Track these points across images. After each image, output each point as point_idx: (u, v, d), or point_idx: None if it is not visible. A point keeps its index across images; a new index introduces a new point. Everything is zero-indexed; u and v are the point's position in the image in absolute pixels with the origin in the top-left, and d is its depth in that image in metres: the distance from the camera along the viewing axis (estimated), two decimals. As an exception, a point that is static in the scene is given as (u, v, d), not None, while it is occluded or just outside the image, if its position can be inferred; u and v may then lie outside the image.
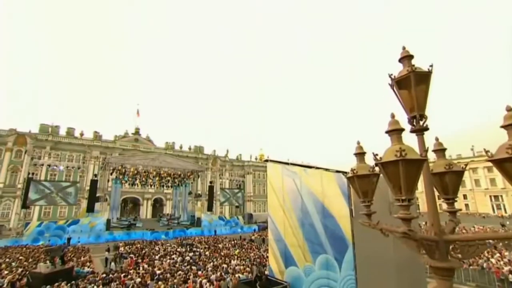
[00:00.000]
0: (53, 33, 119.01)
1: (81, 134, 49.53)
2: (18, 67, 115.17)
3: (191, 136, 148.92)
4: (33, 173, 29.85)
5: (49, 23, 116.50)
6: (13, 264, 15.93)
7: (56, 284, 11.51)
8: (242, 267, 15.14)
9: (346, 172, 8.81)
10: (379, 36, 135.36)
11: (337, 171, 9.07)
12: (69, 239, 25.73)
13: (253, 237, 29.84)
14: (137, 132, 57.59)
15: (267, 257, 16.68)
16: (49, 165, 31.11)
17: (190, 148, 65.28)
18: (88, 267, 15.52)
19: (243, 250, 21.38)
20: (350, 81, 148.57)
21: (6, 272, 14.03)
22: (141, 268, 14.79)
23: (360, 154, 3.86)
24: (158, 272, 14.03)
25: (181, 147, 63.43)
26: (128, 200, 52.54)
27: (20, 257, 17.42)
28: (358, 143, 4.04)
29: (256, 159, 77.12)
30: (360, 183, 3.51)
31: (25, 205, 27.82)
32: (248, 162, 73.37)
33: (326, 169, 9.50)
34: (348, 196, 8.46)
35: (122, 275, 13.54)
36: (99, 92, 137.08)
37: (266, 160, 12.37)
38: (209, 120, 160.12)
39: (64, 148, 45.95)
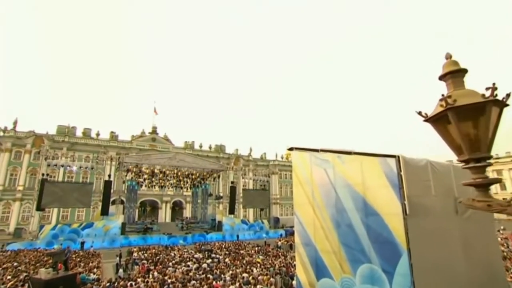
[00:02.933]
0: (67, 33, 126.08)
1: (97, 135, 51.25)
2: (36, 70, 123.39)
3: (211, 135, 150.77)
4: (48, 174, 30.80)
5: (63, 23, 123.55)
6: (20, 268, 16.00)
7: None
8: (265, 277, 13.93)
9: (394, 156, 7.18)
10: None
11: (383, 155, 7.46)
12: (82, 243, 26.13)
13: (279, 243, 28.84)
14: (154, 131, 58.55)
15: (295, 266, 15.55)
16: (62, 166, 32.04)
17: (210, 147, 65.37)
18: (94, 273, 15.15)
19: (268, 257, 20.20)
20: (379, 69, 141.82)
21: (9, 277, 14.02)
22: (150, 276, 14.11)
23: (455, 74, 2.40)
24: (168, 281, 13.24)
25: (201, 146, 63.68)
26: (147, 203, 53.51)
27: (28, 261, 17.60)
28: (449, 56, 2.57)
29: (282, 158, 75.60)
30: (463, 125, 2.13)
31: (39, 207, 28.75)
32: (274, 161, 72.08)
33: (368, 154, 7.92)
34: (399, 187, 6.85)
35: (129, 283, 12.93)
36: (115, 91, 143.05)
37: (291, 148, 10.96)
38: (230, 118, 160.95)
39: (80, 149, 47.78)
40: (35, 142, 43.18)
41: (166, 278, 13.83)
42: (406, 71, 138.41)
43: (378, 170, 7.50)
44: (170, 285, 12.54)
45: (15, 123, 43.63)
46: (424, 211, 6.68)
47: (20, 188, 41.97)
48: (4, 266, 16.61)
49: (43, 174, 30.05)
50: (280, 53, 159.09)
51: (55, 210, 42.70)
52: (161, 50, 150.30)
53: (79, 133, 51.01)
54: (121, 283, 12.89)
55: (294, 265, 15.91)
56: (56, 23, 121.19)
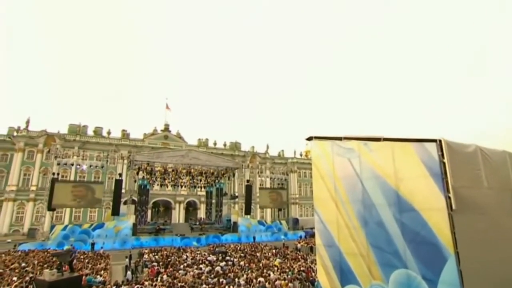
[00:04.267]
0: (77, 31, 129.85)
1: (108, 133, 52.18)
2: (46, 68, 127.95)
3: (226, 132, 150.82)
4: (58, 174, 31.53)
5: (73, 20, 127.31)
6: (27, 269, 16.14)
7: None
8: (283, 281, 13.28)
9: (434, 140, 6.27)
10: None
11: (420, 140, 6.57)
12: (93, 244, 26.44)
13: (298, 245, 28.25)
14: (166, 128, 59.02)
15: (316, 270, 14.86)
16: (72, 164, 32.68)
17: (225, 145, 65.25)
18: (101, 276, 15.04)
19: (286, 260, 19.59)
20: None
21: (15, 278, 14.08)
22: (158, 280, 13.79)
23: None
24: (178, 284, 12.86)
25: (215, 144, 63.67)
26: (160, 203, 54.02)
27: (36, 262, 17.79)
28: None
29: (301, 155, 74.49)
30: None
31: (50, 207, 29.39)
32: (292, 159, 71.09)
33: (401, 139, 7.04)
34: (441, 177, 5.95)
35: (136, 287, 12.67)
36: (127, 88, 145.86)
37: (310, 138, 10.17)
38: (246, 114, 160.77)
39: (92, 148, 48.84)
40: (47, 142, 44.45)
41: (175, 281, 13.47)
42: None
43: (414, 157, 6.62)
44: (180, 290, 12.15)
45: (27, 122, 45.12)
46: (474, 206, 5.76)
47: (33, 188, 43.39)
48: (12, 266, 16.84)
49: (53, 174, 30.72)
50: (301, 44, 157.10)
51: (68, 210, 43.89)
52: (173, 46, 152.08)
53: (90, 132, 52.21)
54: (127, 286, 12.61)
55: (315, 269, 15.36)
56: (65, 20, 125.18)
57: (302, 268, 16.38)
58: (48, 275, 12.71)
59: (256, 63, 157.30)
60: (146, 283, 13.25)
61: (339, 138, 9.06)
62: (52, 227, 29.37)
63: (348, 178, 8.49)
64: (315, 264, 17.02)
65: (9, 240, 32.29)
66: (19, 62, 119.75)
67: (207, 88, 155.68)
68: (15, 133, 45.22)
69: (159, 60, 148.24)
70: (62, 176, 42.98)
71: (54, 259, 18.15)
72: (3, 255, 20.82)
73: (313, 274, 14.75)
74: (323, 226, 9.19)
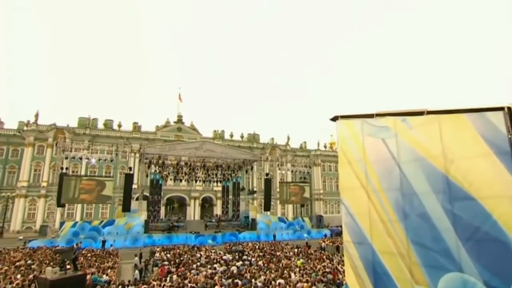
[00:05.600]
0: (85, 21, 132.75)
1: (119, 126, 52.94)
2: (54, 60, 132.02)
3: (243, 124, 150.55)
4: (66, 168, 32.19)
5: (81, 10, 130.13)
6: (33, 266, 16.37)
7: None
8: (305, 284, 12.62)
9: (500, 108, 5.20)
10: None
11: (479, 109, 5.52)
12: (103, 241, 26.82)
13: (323, 244, 27.57)
14: (179, 120, 59.23)
15: (344, 272, 14.06)
16: (80, 158, 33.21)
17: (242, 137, 64.79)
18: (107, 275, 14.95)
19: (309, 260, 18.97)
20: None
21: (19, 275, 14.24)
22: (168, 280, 13.49)
23: None
24: (188, 285, 12.48)
25: (231, 136, 63.36)
26: (174, 199, 54.54)
27: (42, 259, 18.07)
28: None
29: (325, 147, 72.94)
30: None
31: (59, 203, 30.03)
32: (315, 151, 69.69)
33: (452, 111, 6.01)
34: (511, 156, 4.92)
35: (143, 287, 12.39)
36: (137, 78, 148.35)
37: (335, 117, 9.24)
38: (265, 104, 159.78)
39: (102, 141, 49.66)
40: (56, 136, 45.64)
41: (186, 282, 13.13)
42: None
43: (469, 132, 5.59)
44: (189, 291, 11.76)
45: (36, 116, 46.46)
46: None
47: (44, 184, 44.82)
48: (18, 264, 17.16)
49: (61, 168, 31.35)
50: (325, 25, 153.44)
51: (79, 207, 45.11)
52: (186, 34, 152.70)
53: (100, 125, 53.19)
54: (133, 287, 12.35)
55: (343, 270, 14.51)
56: (74, 11, 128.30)
57: (327, 270, 15.70)
58: (50, 273, 12.63)
59: (274, 49, 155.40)
60: (154, 283, 12.98)
61: (371, 115, 8.08)
62: (61, 224, 30.05)
63: (382, 162, 7.53)
64: (343, 265, 16.30)
65: (21, 237, 33.49)
66: (28, 54, 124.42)
67: (222, 77, 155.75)
68: (25, 128, 46.77)
69: (172, 50, 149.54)
70: (73, 172, 44.12)
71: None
72: (11, 252, 21.41)
73: (340, 276, 14.07)
74: (352, 220, 8.30)
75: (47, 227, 38.94)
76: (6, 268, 16.11)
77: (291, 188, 44.75)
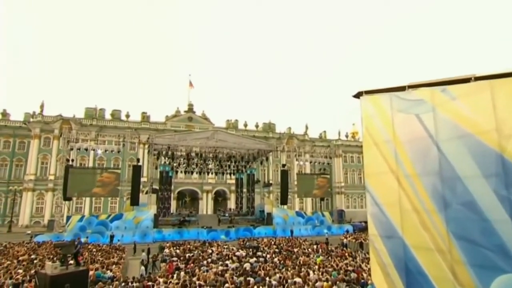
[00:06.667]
0: (91, 7, 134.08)
1: (127, 116, 53.34)
2: (59, 48, 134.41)
3: (258, 113, 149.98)
4: (72, 160, 32.48)
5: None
6: (36, 261, 16.56)
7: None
8: (325, 283, 12.14)
9: None
10: None
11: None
12: (111, 236, 27.03)
13: (345, 241, 26.97)
14: (190, 109, 59.16)
15: (369, 270, 13.40)
16: (86, 149, 33.52)
17: (257, 126, 64.19)
18: (111, 271, 14.90)
19: (330, 258, 18.50)
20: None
21: (20, 270, 14.42)
22: (174, 277, 13.27)
23: None
24: (197, 283, 12.17)
25: (245, 125, 62.87)
26: (186, 193, 54.86)
27: (46, 254, 18.29)
28: None
29: (346, 136, 71.49)
30: None
31: (65, 196, 30.46)
32: (336, 140, 68.39)
33: (509, 73, 5.17)
34: None
35: (148, 283, 12.30)
36: (145, 66, 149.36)
37: (359, 94, 8.51)
38: (280, 92, 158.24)
39: (110, 133, 50.09)
40: (62, 127, 46.39)
41: (194, 279, 12.88)
42: None
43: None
44: (197, 289, 11.47)
45: (41, 106, 47.33)
46: None
47: (52, 177, 45.86)
48: (21, 258, 17.41)
49: (67, 160, 31.74)
50: (347, 7, 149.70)
51: (87, 201, 45.99)
52: (197, 19, 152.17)
53: (108, 115, 53.76)
54: (137, 284, 12.16)
55: (368, 269, 13.93)
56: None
57: (350, 268, 15.13)
58: (50, 268, 12.61)
59: (290, 32, 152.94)
60: (160, 280, 12.83)
61: (402, 88, 7.28)
62: (68, 218, 30.53)
63: (415, 142, 6.78)
64: (367, 263, 15.72)
65: (29, 232, 34.29)
66: (33, 43, 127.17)
67: (235, 64, 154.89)
68: (31, 119, 47.77)
69: (182, 36, 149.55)
70: (80, 164, 44.84)
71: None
72: (16, 246, 21.83)
73: (365, 275, 13.46)
74: (379, 210, 7.61)
75: (55, 222, 39.96)
76: (8, 262, 16.38)
77: (310, 180, 44.08)
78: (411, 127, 6.86)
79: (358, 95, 8.76)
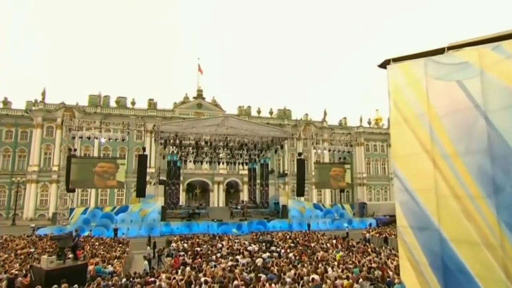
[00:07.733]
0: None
1: (133, 103, 53.47)
2: (60, 33, 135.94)
3: (273, 99, 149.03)
4: (75, 150, 32.89)
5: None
6: (34, 255, 16.67)
7: (55, 286, 10.48)
8: (346, 281, 11.67)
9: None
10: None
11: None
12: (116, 229, 27.18)
13: (368, 235, 26.61)
14: (200, 95, 58.89)
15: (395, 268, 12.99)
16: (88, 138, 33.66)
17: (271, 113, 63.55)
18: (112, 265, 14.78)
19: (351, 253, 18.10)
20: None
21: (16, 265, 14.52)
22: (179, 273, 13.02)
23: None
24: (202, 279, 11.85)
25: (259, 112, 62.39)
26: (196, 184, 55.04)
27: (45, 247, 18.46)
28: None
29: (369, 123, 70.05)
30: None
31: (68, 188, 30.74)
32: (358, 128, 67.09)
33: None
34: None
35: (151, 279, 12.08)
36: (152, 51, 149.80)
37: (384, 63, 7.69)
38: (296, 76, 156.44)
39: (115, 121, 50.43)
40: (65, 115, 46.84)
41: (200, 275, 12.64)
42: None
43: None
44: (203, 285, 11.15)
45: (43, 94, 47.81)
46: None
47: (55, 168, 46.54)
48: (19, 252, 17.56)
49: (69, 149, 31.96)
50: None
51: (93, 193, 46.63)
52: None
53: (113, 103, 54.03)
54: (138, 279, 11.94)
55: (394, 266, 13.45)
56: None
57: (373, 265, 14.56)
58: (46, 262, 12.62)
59: (306, 13, 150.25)
60: (164, 276, 12.56)
61: (440, 51, 6.44)
62: (71, 210, 30.86)
63: (457, 115, 6.00)
64: (393, 259, 15.12)
65: (33, 225, 34.96)
66: (34, 27, 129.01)
67: (247, 47, 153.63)
68: (33, 108, 48.41)
69: (191, 18, 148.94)
70: (84, 155, 45.33)
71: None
72: (16, 239, 22.13)
73: (390, 273, 12.84)
74: (410, 197, 6.90)
75: (59, 214, 40.68)
76: (6, 256, 16.50)
77: (329, 170, 43.37)
78: (452, 96, 6.04)
79: (384, 65, 7.93)
